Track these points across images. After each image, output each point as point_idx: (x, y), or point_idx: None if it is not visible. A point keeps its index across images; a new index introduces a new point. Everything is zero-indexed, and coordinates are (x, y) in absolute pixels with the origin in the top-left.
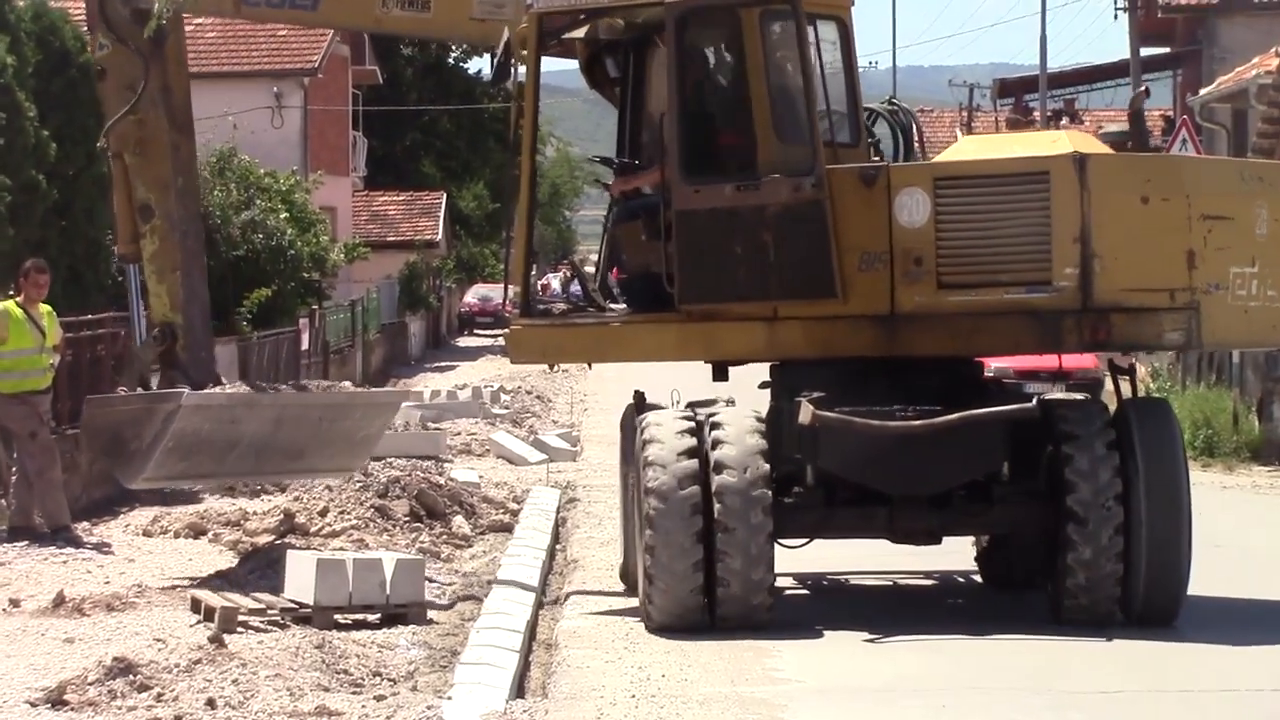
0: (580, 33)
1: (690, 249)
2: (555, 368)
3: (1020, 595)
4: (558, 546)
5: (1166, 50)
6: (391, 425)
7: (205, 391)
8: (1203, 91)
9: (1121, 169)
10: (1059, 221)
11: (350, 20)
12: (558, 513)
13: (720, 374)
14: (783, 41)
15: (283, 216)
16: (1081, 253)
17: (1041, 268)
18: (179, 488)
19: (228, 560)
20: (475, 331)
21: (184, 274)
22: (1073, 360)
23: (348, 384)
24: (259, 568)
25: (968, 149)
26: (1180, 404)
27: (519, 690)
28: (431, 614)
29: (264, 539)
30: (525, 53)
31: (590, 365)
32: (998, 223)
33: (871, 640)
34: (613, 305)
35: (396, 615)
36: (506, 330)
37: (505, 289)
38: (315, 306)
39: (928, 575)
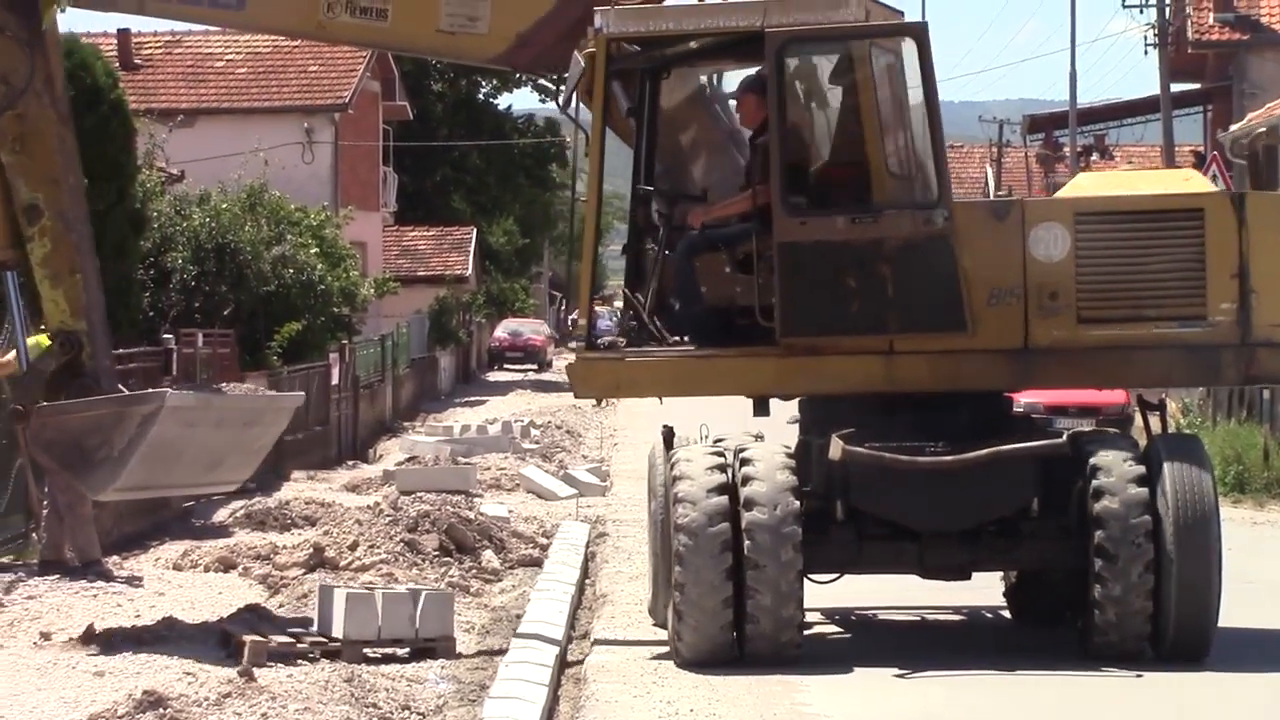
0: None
1: (795, 282)
2: (604, 401)
3: (1049, 631)
4: (587, 581)
5: (1197, 86)
6: (422, 459)
7: (181, 392)
8: (1233, 127)
9: (1276, 206)
10: (1215, 257)
11: (285, 23)
12: (587, 547)
13: (761, 409)
14: (894, 71)
15: (313, 251)
16: (1240, 288)
17: (1194, 303)
18: (140, 498)
19: (257, 594)
20: (505, 366)
21: (84, 277)
22: (1102, 396)
23: (249, 386)
24: (289, 601)
25: (1088, 185)
26: (1211, 440)
27: None
28: (460, 647)
29: (294, 573)
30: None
31: (661, 400)
32: (1144, 258)
33: (900, 675)
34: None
35: (425, 649)
36: (570, 363)
37: (564, 321)
38: (345, 341)
39: (956, 610)
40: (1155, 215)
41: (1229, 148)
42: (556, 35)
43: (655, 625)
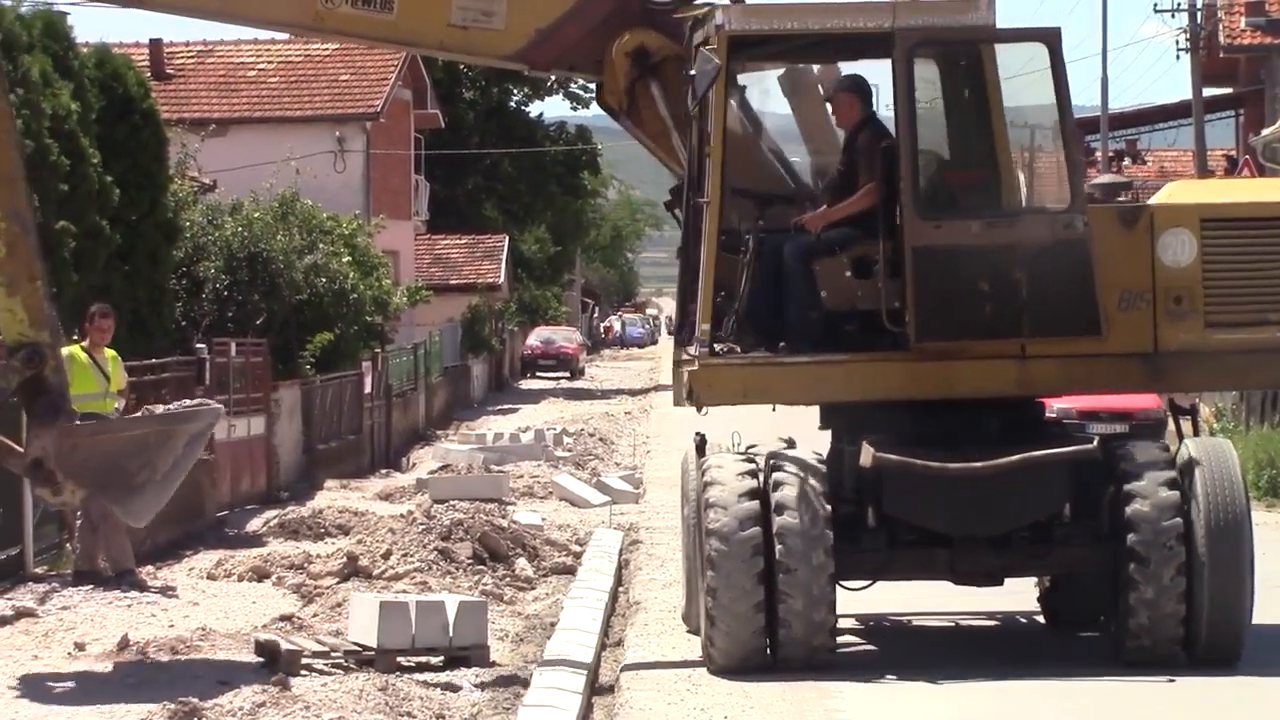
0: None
1: (928, 285)
2: (703, 409)
3: (1082, 636)
4: (620, 589)
5: (1229, 90)
6: (455, 467)
7: (214, 407)
8: (1265, 131)
9: None
10: None
11: (277, 14)
12: (620, 555)
13: (829, 421)
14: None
15: (345, 260)
16: None
17: None
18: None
19: (291, 603)
20: (537, 374)
21: (43, 284)
22: (1136, 401)
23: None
24: (322, 611)
25: (1181, 192)
26: (1244, 444)
27: None
28: (494, 656)
29: (327, 582)
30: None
31: (774, 408)
32: (1268, 263)
33: (933, 682)
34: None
35: (459, 658)
36: (692, 370)
37: (679, 324)
38: (378, 350)
39: (989, 616)
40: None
41: (1261, 152)
42: (581, 32)
43: (689, 631)
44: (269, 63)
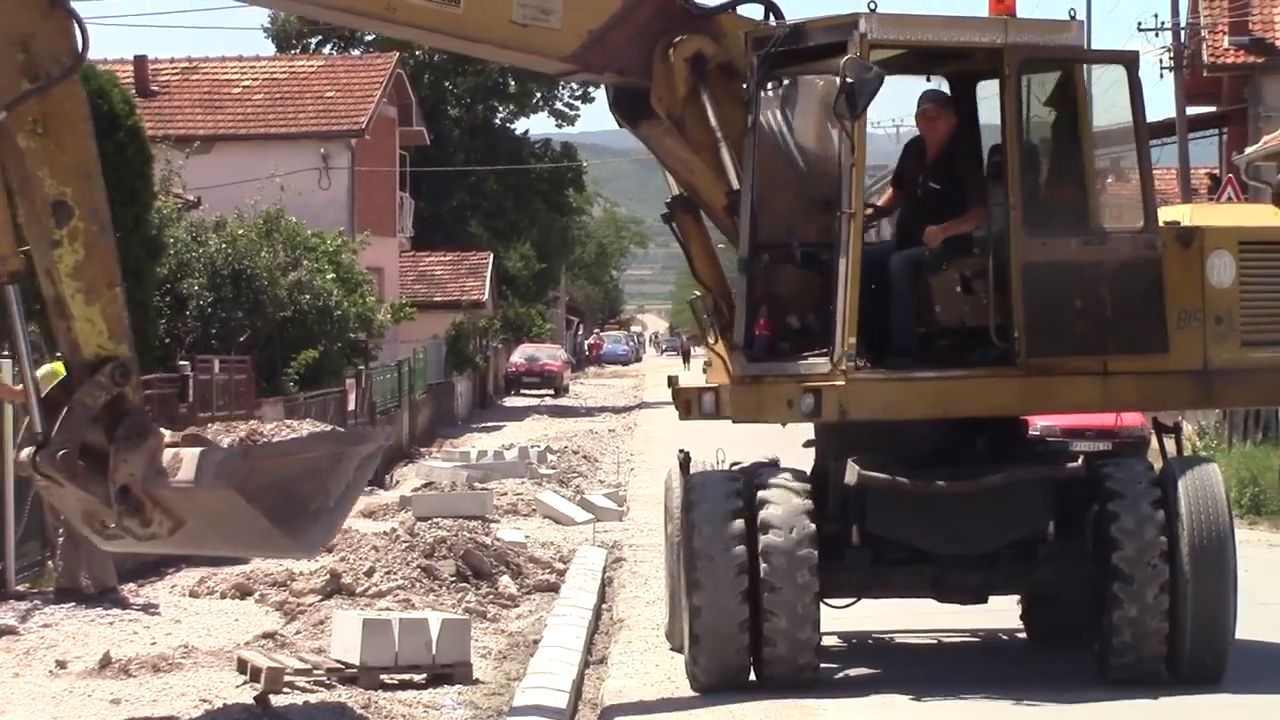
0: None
1: (1035, 302)
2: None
3: (1066, 654)
4: (604, 606)
5: (1213, 109)
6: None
7: (381, 431)
8: (1248, 150)
9: None
10: None
11: (348, 2)
12: (604, 572)
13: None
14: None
15: (329, 277)
16: None
17: None
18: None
19: (274, 620)
20: (522, 391)
21: (121, 290)
22: (1120, 419)
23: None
24: (305, 628)
25: (1207, 215)
26: (1227, 462)
27: None
28: (477, 674)
29: (310, 599)
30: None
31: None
32: None
33: (917, 700)
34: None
35: (442, 675)
36: (840, 385)
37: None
38: (362, 367)
39: (973, 634)
40: None
41: (1244, 170)
42: (629, 35)
43: (673, 649)
44: (254, 79)
